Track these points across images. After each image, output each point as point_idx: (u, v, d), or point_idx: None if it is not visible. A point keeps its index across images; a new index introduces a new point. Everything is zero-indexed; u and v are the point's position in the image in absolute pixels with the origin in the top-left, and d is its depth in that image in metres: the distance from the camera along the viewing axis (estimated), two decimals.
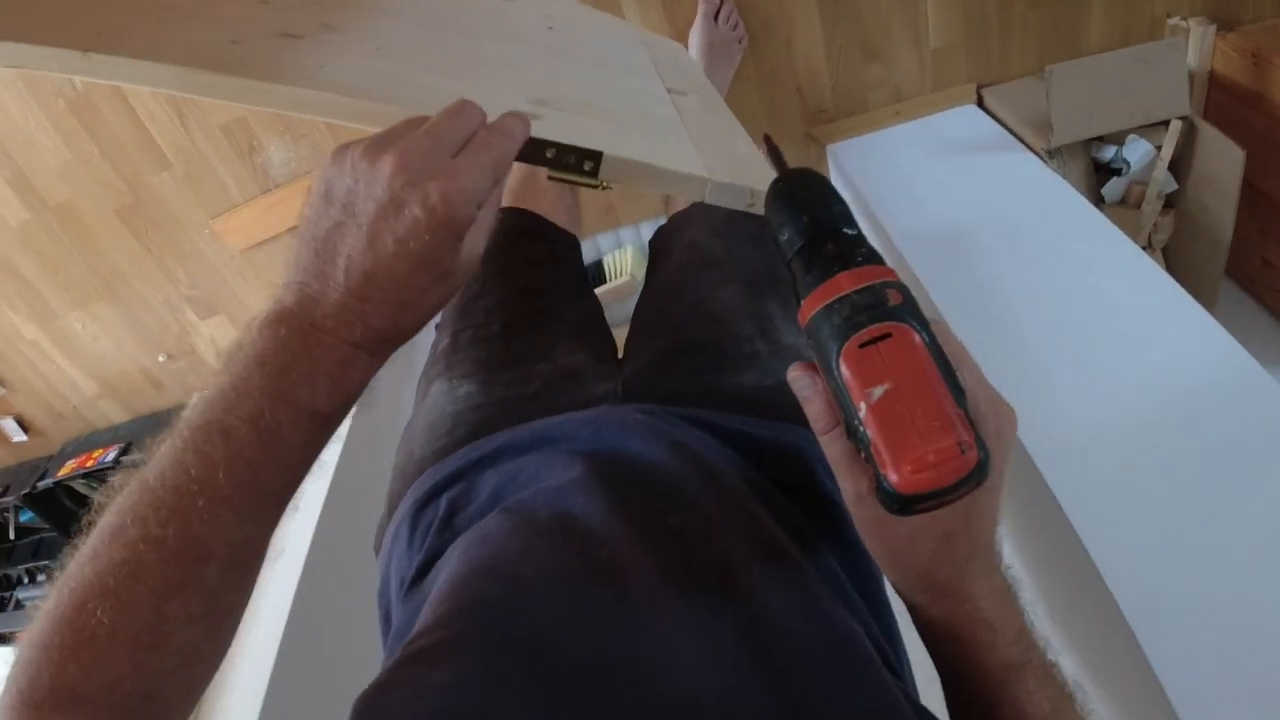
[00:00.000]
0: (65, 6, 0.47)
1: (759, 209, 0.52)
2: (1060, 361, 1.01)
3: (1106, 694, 0.82)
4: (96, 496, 0.40)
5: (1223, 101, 1.44)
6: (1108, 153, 1.45)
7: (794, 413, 0.40)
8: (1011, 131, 1.47)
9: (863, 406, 0.34)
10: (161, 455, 0.39)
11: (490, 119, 0.44)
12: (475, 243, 0.43)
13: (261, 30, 0.52)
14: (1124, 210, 1.46)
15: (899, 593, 0.45)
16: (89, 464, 1.80)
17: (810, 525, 0.52)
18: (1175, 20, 1.46)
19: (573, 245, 0.93)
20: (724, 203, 0.54)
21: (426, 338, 0.82)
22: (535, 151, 0.47)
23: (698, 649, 0.39)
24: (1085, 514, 0.83)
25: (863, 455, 0.35)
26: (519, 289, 0.80)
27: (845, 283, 0.36)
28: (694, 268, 0.79)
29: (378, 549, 0.66)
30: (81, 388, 1.91)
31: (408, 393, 0.81)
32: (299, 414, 0.40)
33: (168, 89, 0.45)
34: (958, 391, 0.35)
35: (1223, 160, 1.33)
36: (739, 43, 1.43)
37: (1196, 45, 1.42)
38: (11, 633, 1.90)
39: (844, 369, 0.35)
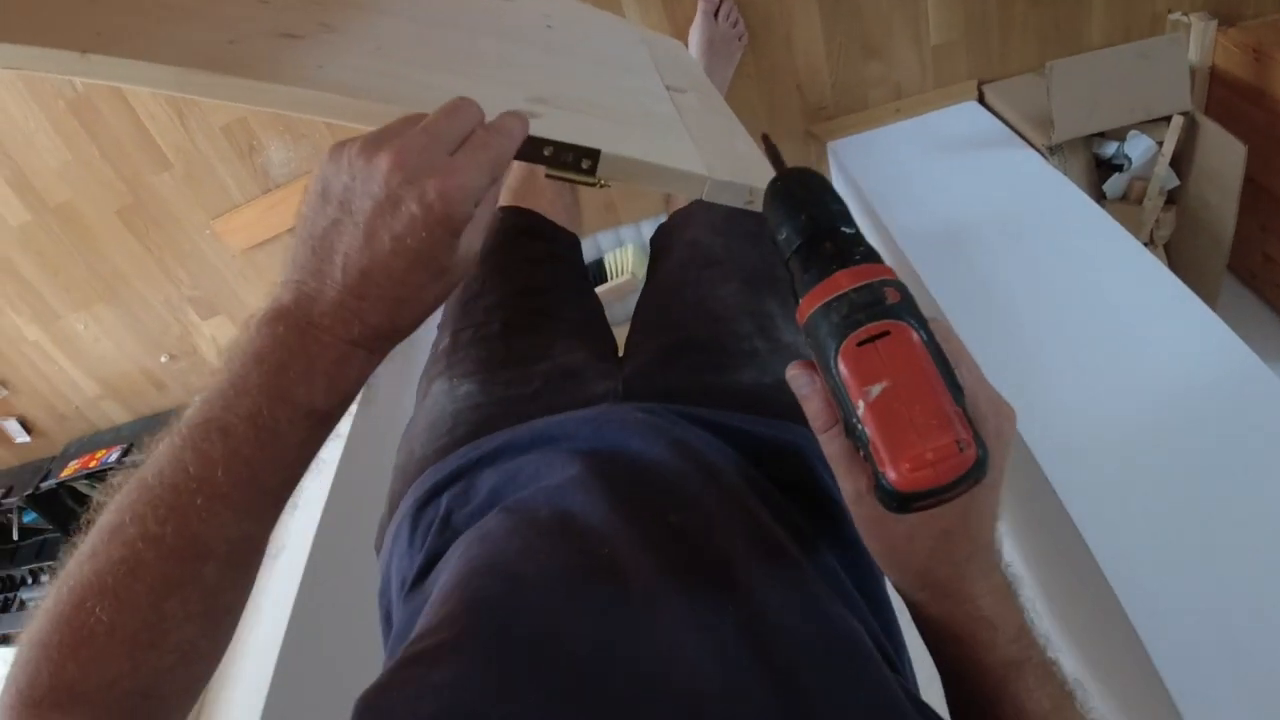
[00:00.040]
0: (63, 8, 0.47)
1: (758, 206, 0.52)
2: (1062, 358, 1.00)
3: (1108, 691, 0.82)
4: (96, 495, 0.40)
5: (1224, 97, 1.44)
6: (1109, 149, 1.45)
7: (793, 411, 0.40)
8: (1012, 128, 1.47)
9: (861, 404, 0.34)
10: (160, 453, 0.39)
11: (489, 118, 0.44)
12: (472, 240, 0.43)
13: (260, 30, 0.52)
14: (1125, 206, 1.46)
15: (899, 591, 0.45)
16: (92, 465, 1.81)
17: (810, 523, 0.52)
18: (1176, 16, 1.45)
19: (572, 244, 0.93)
20: (723, 200, 0.54)
21: (427, 337, 0.82)
22: (533, 149, 0.47)
23: (698, 647, 0.39)
24: (1086, 510, 0.83)
25: (861, 453, 0.35)
26: (519, 288, 0.80)
27: (843, 281, 0.36)
28: (694, 266, 0.79)
29: (378, 548, 0.66)
30: (84, 388, 1.91)
31: (408, 392, 0.81)
32: (297, 411, 0.40)
33: (166, 89, 0.45)
34: (956, 389, 0.35)
35: (1224, 156, 1.33)
36: (739, 40, 1.43)
37: (1198, 40, 1.42)
38: (16, 633, 1.91)
39: (842, 367, 0.35)
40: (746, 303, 0.73)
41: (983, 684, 0.41)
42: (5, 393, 1.91)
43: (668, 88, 0.73)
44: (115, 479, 0.40)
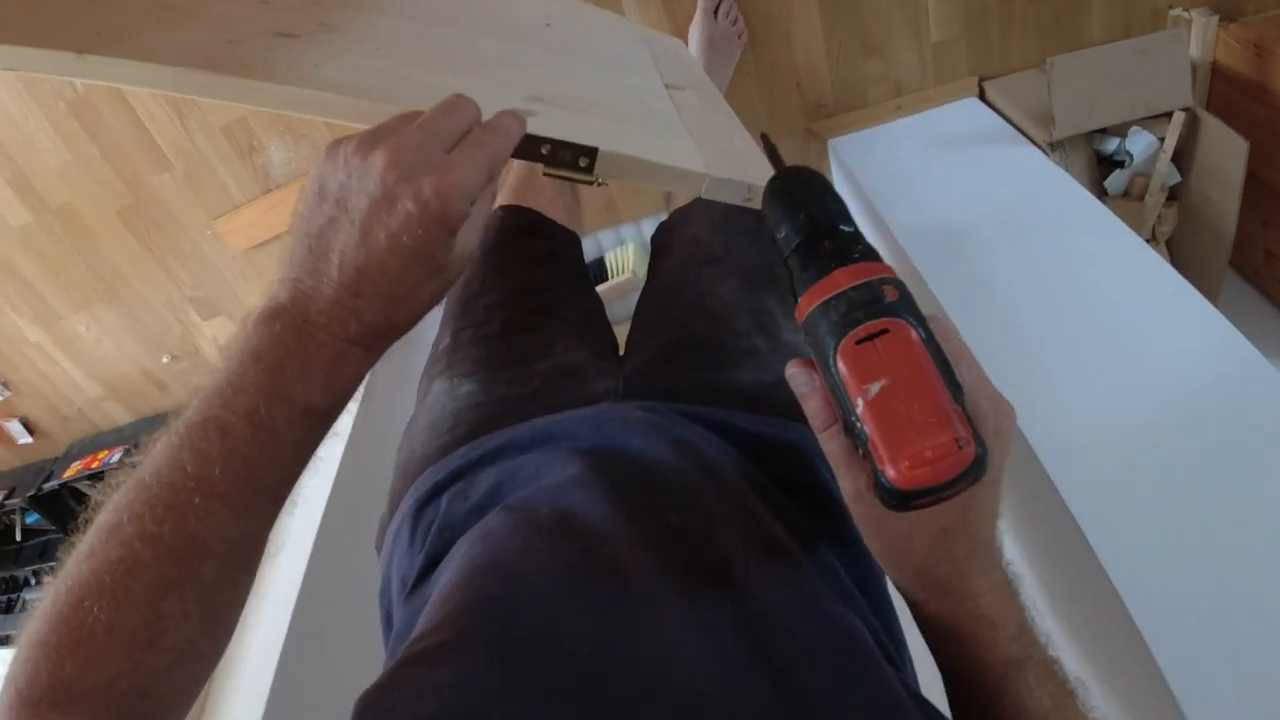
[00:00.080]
0: (61, 8, 0.47)
1: (757, 203, 0.52)
2: (1063, 355, 1.00)
3: (1110, 689, 0.82)
4: (94, 494, 0.40)
5: (1225, 93, 1.44)
6: (1110, 145, 1.45)
7: (793, 409, 0.40)
8: (1013, 125, 1.46)
9: (860, 403, 0.34)
10: (158, 452, 0.39)
11: (487, 116, 0.44)
12: (469, 238, 0.42)
13: (259, 30, 0.52)
14: (1127, 203, 1.46)
15: (899, 589, 0.45)
16: (94, 465, 1.81)
17: (810, 521, 0.52)
18: (1177, 11, 1.45)
19: (572, 242, 0.93)
20: (721, 197, 0.54)
21: (428, 336, 0.82)
22: (531, 147, 0.47)
23: (698, 646, 0.39)
24: (1088, 508, 0.82)
25: (860, 451, 0.35)
26: (519, 287, 0.80)
27: (842, 279, 0.36)
28: (695, 264, 0.79)
29: (379, 548, 0.66)
30: (85, 389, 1.91)
31: (409, 391, 0.81)
32: (294, 409, 0.40)
33: (165, 90, 0.45)
34: (955, 387, 0.34)
35: (1226, 152, 1.33)
36: (739, 38, 1.42)
37: (1199, 36, 1.41)
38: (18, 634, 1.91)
39: (841, 365, 0.35)
40: (746, 300, 0.73)
41: (983, 682, 0.41)
42: (7, 394, 1.91)
43: (667, 86, 0.73)
44: (113, 478, 0.40)
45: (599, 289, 1.28)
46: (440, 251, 0.41)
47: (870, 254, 0.38)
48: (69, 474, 1.82)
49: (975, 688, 0.42)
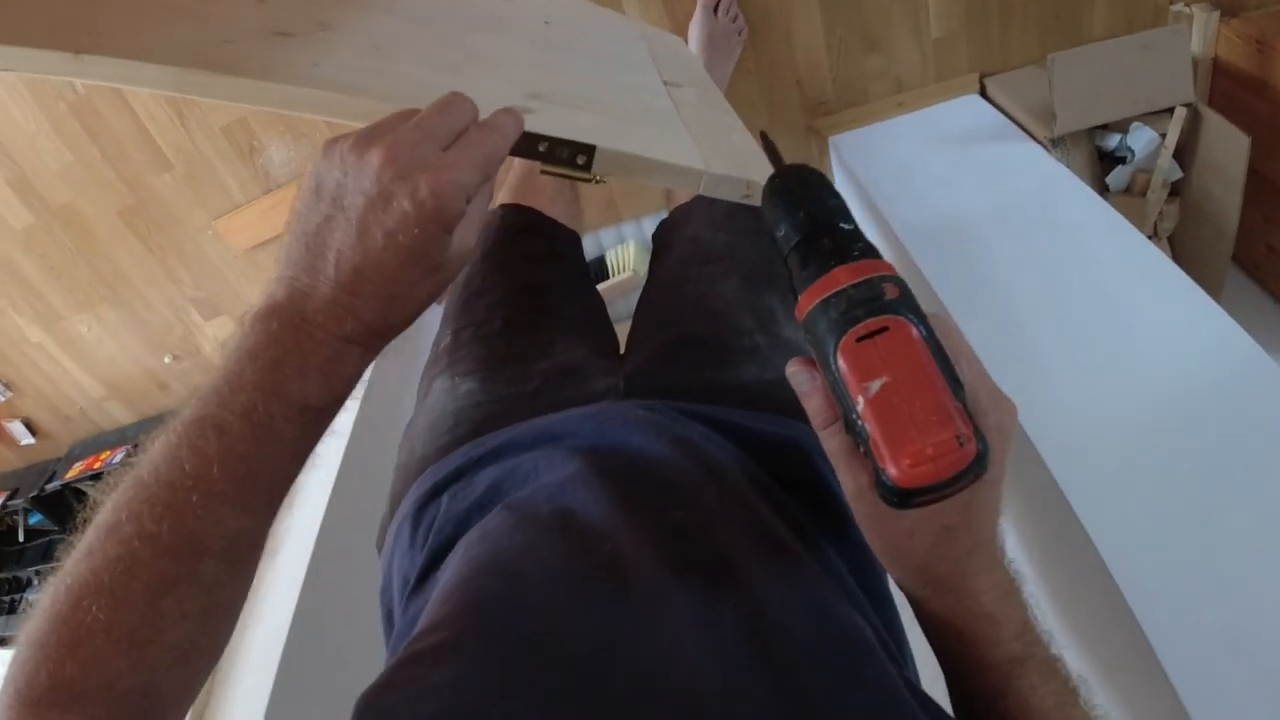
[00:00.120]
0: (58, 8, 0.47)
1: (755, 200, 0.52)
2: (1065, 351, 1.00)
3: (1112, 687, 0.82)
4: (93, 493, 0.40)
5: (1227, 88, 1.43)
6: (1112, 141, 1.44)
7: (794, 407, 0.40)
8: (1014, 121, 1.46)
9: (860, 401, 0.34)
10: (156, 451, 0.39)
11: (484, 114, 0.44)
12: (465, 237, 0.42)
13: (256, 29, 0.52)
14: (1129, 199, 1.45)
15: (900, 587, 0.45)
16: (97, 466, 1.82)
17: (811, 520, 0.52)
18: (1179, 6, 1.44)
19: (573, 241, 0.93)
20: (720, 194, 0.54)
21: (428, 335, 0.82)
22: (528, 145, 0.47)
23: (699, 646, 0.39)
24: (1090, 505, 0.82)
25: (861, 449, 0.35)
26: (519, 286, 0.80)
27: (842, 277, 0.36)
28: (695, 262, 0.79)
29: (380, 547, 0.66)
30: (88, 390, 1.91)
31: (409, 390, 0.81)
32: (291, 408, 0.40)
33: (162, 89, 0.45)
34: (956, 384, 0.34)
35: (1228, 147, 1.32)
36: (738, 35, 1.42)
37: (1200, 31, 1.41)
38: None
39: (841, 363, 0.35)
40: (747, 299, 0.73)
41: (985, 680, 0.41)
42: (10, 395, 1.92)
43: (665, 83, 0.73)
44: (111, 477, 0.40)
45: (600, 287, 1.28)
46: (436, 250, 0.41)
47: (870, 251, 0.38)
48: (71, 474, 1.82)
49: (977, 686, 0.41)
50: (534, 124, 0.47)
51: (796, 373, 0.39)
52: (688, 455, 0.53)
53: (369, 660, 0.55)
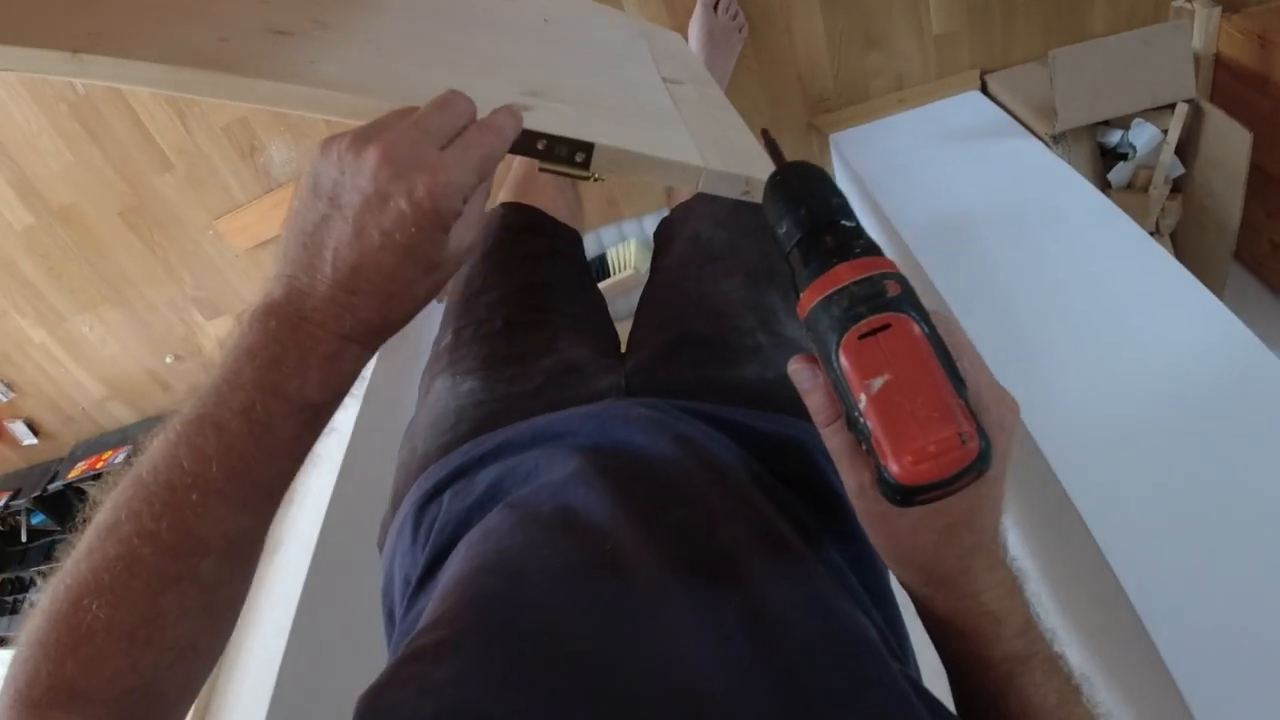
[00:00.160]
0: (56, 8, 0.47)
1: (755, 196, 0.52)
2: (1067, 348, 1.00)
3: (1115, 685, 0.82)
4: (92, 493, 0.40)
5: (1229, 84, 1.43)
6: (1113, 137, 1.44)
7: (797, 405, 0.40)
8: (1016, 118, 1.45)
9: (863, 398, 0.34)
10: (155, 449, 0.39)
11: (483, 111, 0.44)
12: (463, 236, 0.42)
13: (254, 27, 0.52)
14: (1131, 195, 1.45)
15: (903, 585, 0.44)
16: (99, 466, 1.82)
17: (814, 518, 0.52)
18: (1180, 3, 1.44)
19: (574, 239, 0.93)
20: (719, 191, 0.54)
21: (429, 334, 0.82)
22: (527, 143, 0.47)
23: (700, 644, 0.39)
24: (1092, 502, 0.82)
25: (864, 447, 0.35)
26: (520, 284, 0.80)
27: (844, 274, 0.36)
28: (697, 260, 0.79)
29: (382, 546, 0.66)
30: (90, 390, 1.92)
31: (411, 389, 0.81)
32: (290, 406, 0.40)
33: (160, 88, 0.45)
34: (958, 382, 0.34)
35: (1230, 143, 1.32)
36: (739, 32, 1.42)
37: (1202, 27, 1.41)
38: None
39: (843, 361, 0.35)
40: (749, 297, 0.73)
41: (988, 678, 0.41)
42: (12, 395, 1.92)
43: (665, 80, 0.73)
44: (111, 476, 0.40)
45: (601, 286, 1.28)
46: (434, 249, 0.41)
47: (872, 248, 0.38)
48: (74, 474, 1.82)
49: (979, 684, 0.41)
50: (532, 121, 0.47)
51: (798, 370, 0.39)
52: (690, 454, 0.53)
53: (370, 659, 0.55)
